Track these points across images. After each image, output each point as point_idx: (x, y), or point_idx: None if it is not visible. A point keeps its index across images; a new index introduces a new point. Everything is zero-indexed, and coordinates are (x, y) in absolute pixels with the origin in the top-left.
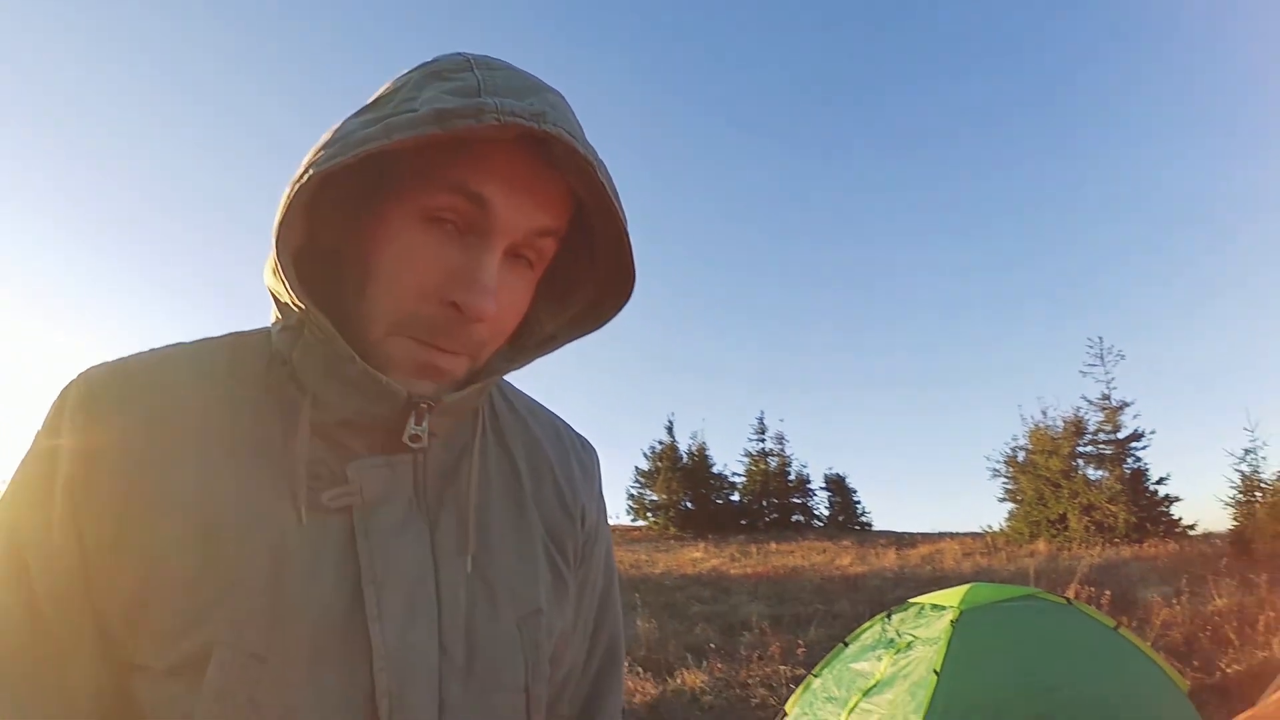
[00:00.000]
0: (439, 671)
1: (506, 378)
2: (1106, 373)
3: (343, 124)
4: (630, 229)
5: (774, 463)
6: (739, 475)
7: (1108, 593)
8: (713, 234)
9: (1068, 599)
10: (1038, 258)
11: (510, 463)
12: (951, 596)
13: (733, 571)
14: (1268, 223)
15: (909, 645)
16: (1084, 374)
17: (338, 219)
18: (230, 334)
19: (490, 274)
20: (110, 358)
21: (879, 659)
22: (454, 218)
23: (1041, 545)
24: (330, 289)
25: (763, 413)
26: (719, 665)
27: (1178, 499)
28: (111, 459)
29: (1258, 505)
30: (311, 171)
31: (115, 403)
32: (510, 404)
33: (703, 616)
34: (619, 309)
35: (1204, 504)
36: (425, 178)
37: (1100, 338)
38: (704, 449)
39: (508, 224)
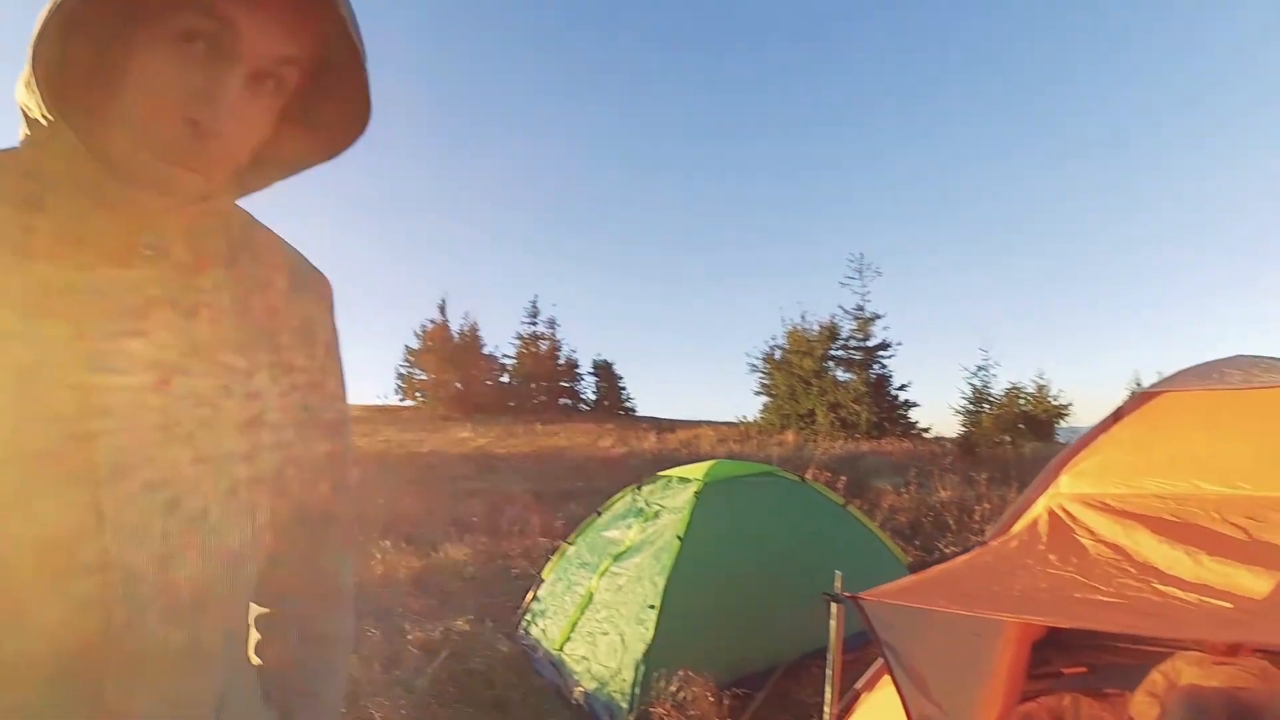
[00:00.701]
0: (172, 482)
1: (257, 217)
2: (863, 286)
3: None
4: (374, 66)
5: (544, 346)
6: (509, 358)
7: (844, 478)
8: (499, 116)
9: (802, 477)
10: (820, 173)
11: (249, 276)
12: (696, 470)
13: (499, 451)
14: (1027, 165)
15: (656, 514)
16: (843, 285)
17: (95, 40)
18: None
19: (229, 94)
20: None
21: (629, 527)
22: (201, 39)
23: (790, 436)
24: (82, 108)
25: (536, 296)
26: (482, 539)
27: (915, 404)
28: None
29: (984, 415)
30: None
31: None
32: (253, 228)
33: (468, 494)
34: (356, 139)
35: (938, 411)
36: (177, 1)
37: (861, 254)
38: (475, 330)
39: (252, 48)
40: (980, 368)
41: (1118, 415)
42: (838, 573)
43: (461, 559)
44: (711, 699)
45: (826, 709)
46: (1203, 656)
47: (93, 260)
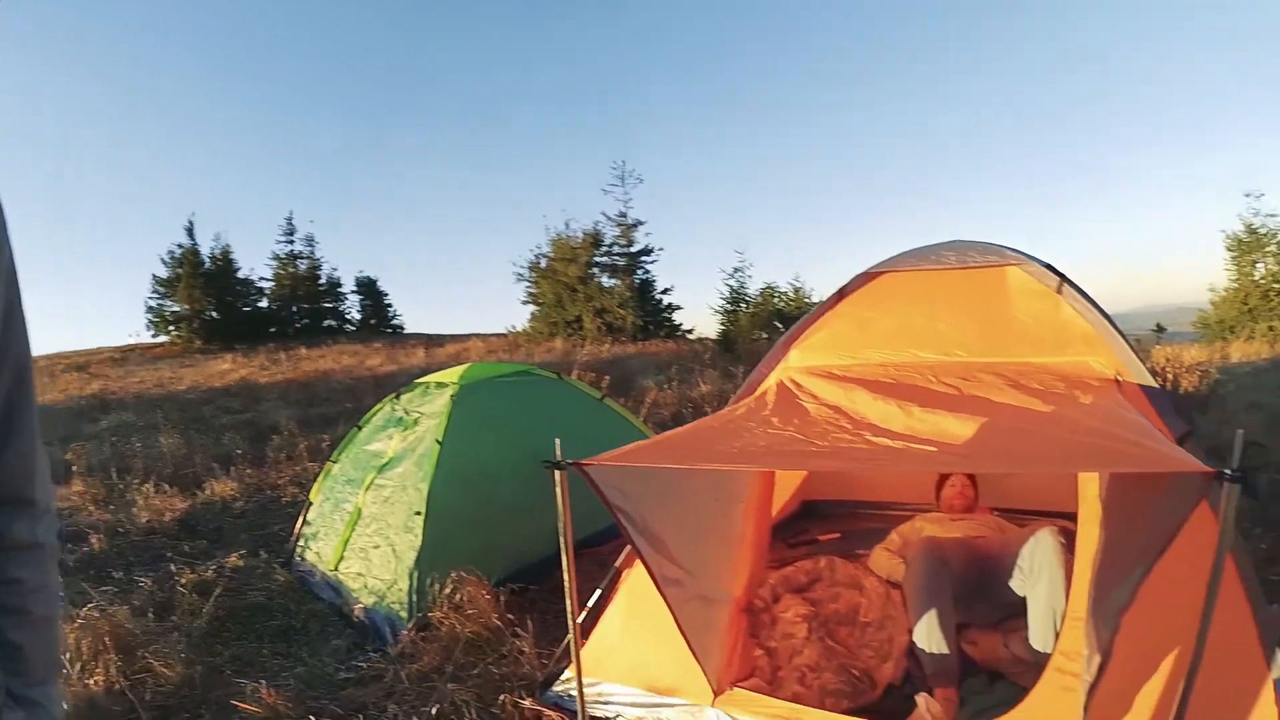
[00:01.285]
0: None
1: None
2: (625, 193)
3: None
4: None
5: (304, 266)
6: (268, 280)
7: (608, 377)
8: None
9: (558, 374)
10: (579, 89)
11: None
12: (452, 375)
13: (262, 380)
14: (781, 75)
15: (416, 421)
16: (605, 192)
17: None
18: None
19: None
20: None
21: (390, 438)
22: None
23: (559, 343)
24: None
25: (291, 213)
26: (249, 472)
27: (679, 307)
28: None
29: (741, 314)
30: None
31: None
32: None
33: (231, 427)
34: None
35: (700, 313)
36: None
37: (623, 161)
38: (228, 253)
39: None
40: (736, 269)
41: (841, 294)
42: (557, 440)
43: (229, 494)
44: (488, 596)
45: (566, 579)
46: (941, 516)
47: None
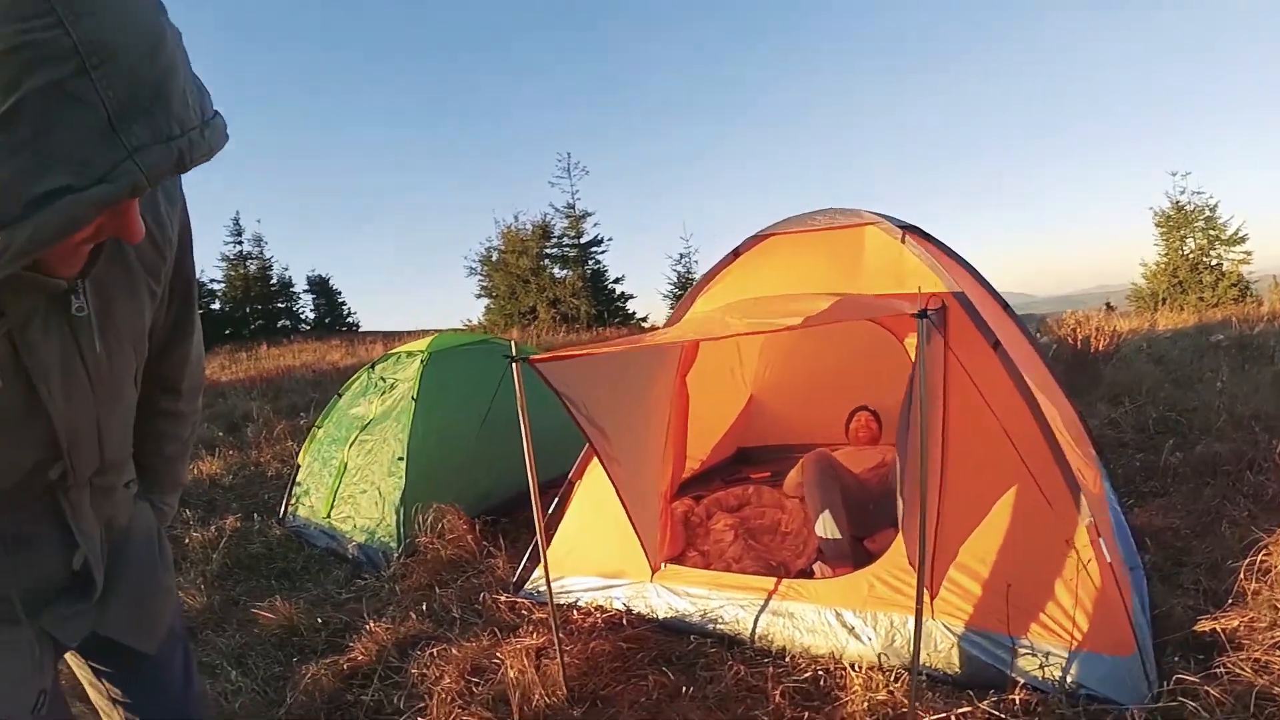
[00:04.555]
0: (96, 417)
1: None
2: (572, 185)
3: None
4: None
5: (254, 266)
6: (219, 282)
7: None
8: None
9: (513, 342)
10: (522, 80)
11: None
12: (421, 344)
13: (224, 378)
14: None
15: (392, 386)
16: (552, 185)
17: None
18: None
19: (132, 216)
20: None
21: (370, 402)
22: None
23: (515, 333)
24: None
25: (238, 212)
26: (231, 453)
27: (632, 295)
28: None
29: None
30: None
31: None
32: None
33: (206, 419)
34: None
35: (653, 300)
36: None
37: (569, 153)
38: None
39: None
40: (683, 255)
41: (736, 253)
42: (512, 341)
43: (215, 472)
44: (465, 525)
45: (529, 469)
46: (850, 449)
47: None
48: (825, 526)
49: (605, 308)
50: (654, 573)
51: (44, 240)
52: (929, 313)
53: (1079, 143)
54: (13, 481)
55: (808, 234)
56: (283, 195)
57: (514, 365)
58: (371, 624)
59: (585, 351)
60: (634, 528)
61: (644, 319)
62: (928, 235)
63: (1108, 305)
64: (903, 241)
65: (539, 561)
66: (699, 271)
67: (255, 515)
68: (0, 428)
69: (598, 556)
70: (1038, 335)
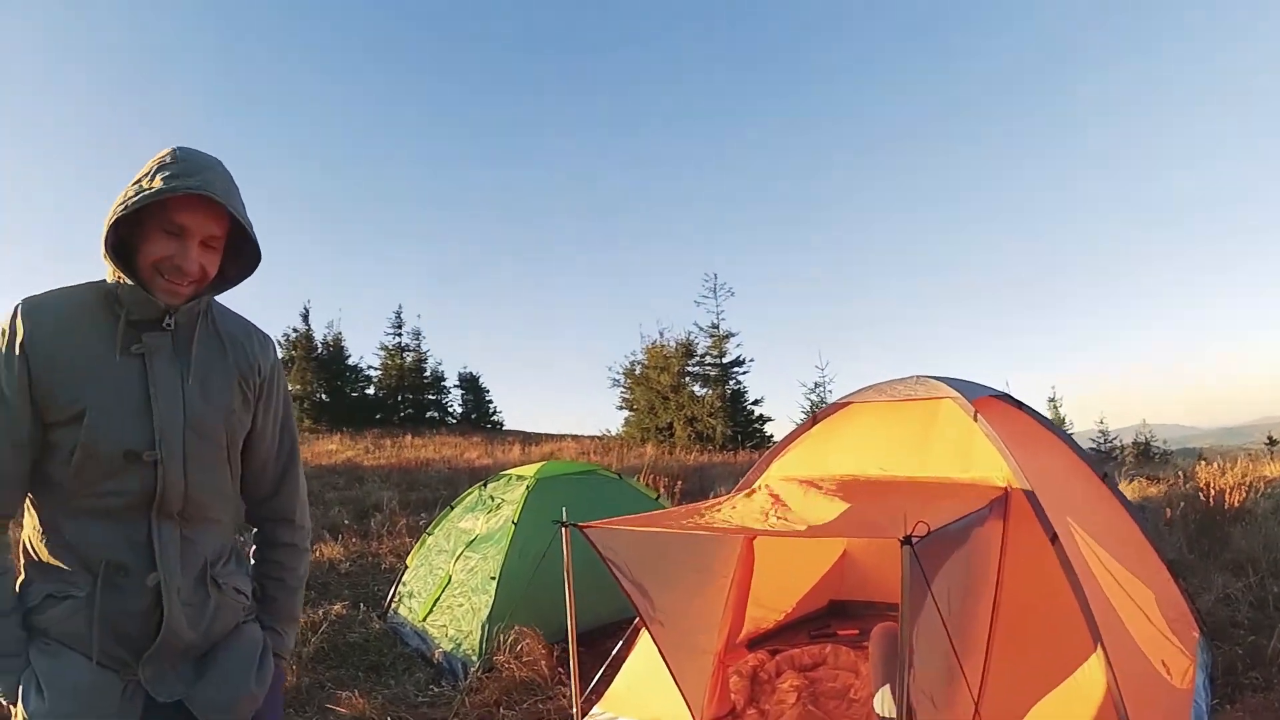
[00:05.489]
0: (183, 427)
1: (218, 299)
2: (717, 305)
3: (128, 189)
4: (257, 216)
5: (410, 358)
6: (375, 369)
7: (680, 483)
8: (358, 121)
9: (618, 474)
10: (677, 205)
11: (219, 337)
12: (530, 470)
13: (367, 463)
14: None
15: (498, 506)
16: (698, 304)
17: (130, 228)
18: (92, 281)
19: (188, 256)
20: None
21: (477, 518)
22: (175, 229)
23: (650, 449)
24: (127, 253)
25: (400, 307)
26: (354, 540)
27: (770, 419)
28: (38, 335)
29: None
30: (115, 216)
31: (43, 310)
32: (221, 310)
33: (338, 501)
34: (257, 267)
35: (786, 426)
36: (165, 207)
37: (715, 274)
38: (340, 340)
39: (196, 232)
40: (817, 384)
41: (814, 419)
42: (564, 508)
43: (335, 557)
44: (543, 649)
45: (569, 621)
46: None
47: (143, 326)
48: (884, 703)
49: (742, 429)
50: None
51: (148, 198)
52: (914, 540)
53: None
54: (119, 489)
55: (884, 404)
56: (443, 295)
57: (564, 530)
58: None
59: (637, 528)
60: (676, 683)
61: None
62: (1019, 403)
63: (1270, 440)
64: (974, 419)
65: (601, 696)
66: (831, 399)
67: (361, 605)
68: (125, 413)
69: (655, 702)
70: (1181, 481)
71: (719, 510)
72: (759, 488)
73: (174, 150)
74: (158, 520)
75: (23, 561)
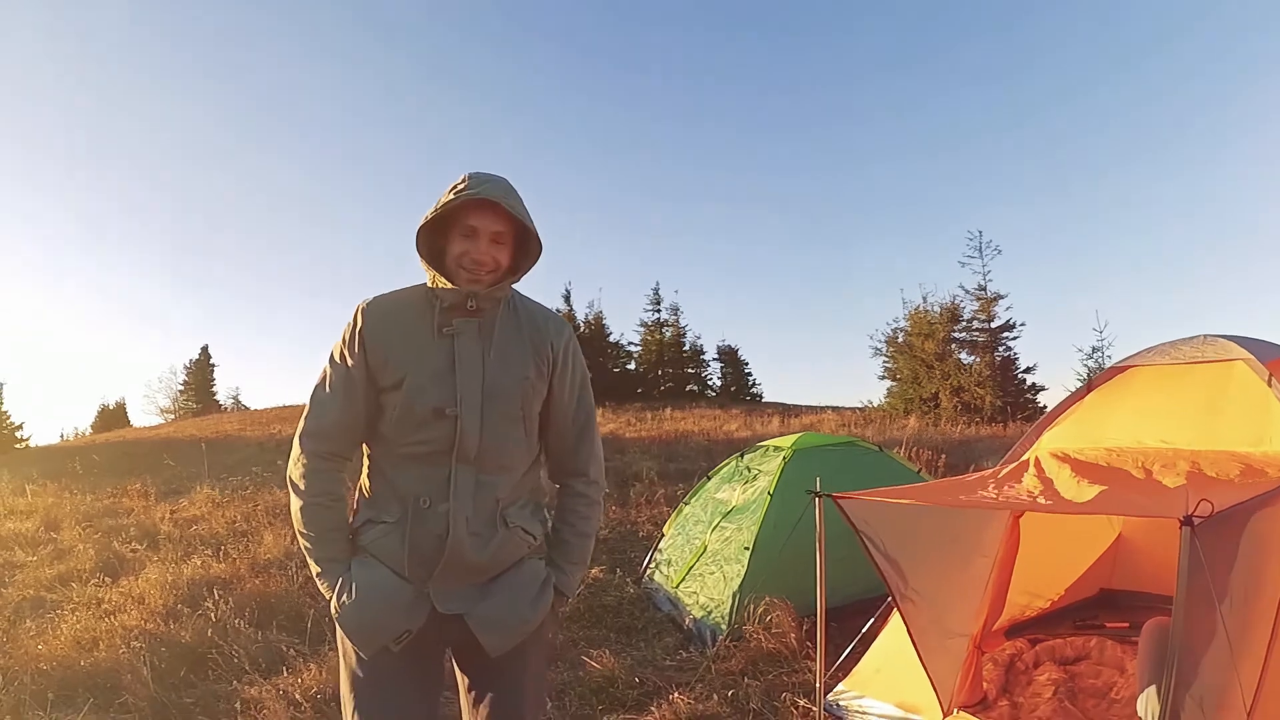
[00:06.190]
0: (480, 390)
1: (516, 287)
2: (984, 265)
3: (442, 196)
4: (540, 219)
5: (669, 333)
6: (635, 345)
7: (944, 457)
8: (621, 99)
9: (878, 446)
10: (933, 158)
11: (519, 321)
12: (788, 441)
13: (628, 435)
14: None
15: (755, 477)
16: (963, 265)
17: (437, 232)
18: (418, 284)
19: (480, 249)
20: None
21: (734, 489)
22: (468, 231)
23: (913, 421)
24: (438, 257)
25: (658, 283)
26: (614, 509)
27: (1043, 388)
28: (374, 327)
29: None
30: (424, 219)
31: (375, 307)
32: (523, 300)
33: None
34: (539, 256)
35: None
36: (460, 216)
37: (980, 231)
38: (601, 318)
39: (484, 230)
40: (1095, 349)
41: (1090, 386)
42: (818, 477)
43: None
44: (792, 621)
45: (818, 594)
46: None
47: (455, 312)
48: (1147, 706)
49: (1012, 400)
50: (945, 716)
51: (446, 207)
52: (1195, 520)
53: None
54: (428, 439)
55: (1169, 368)
56: (701, 270)
57: (817, 500)
58: (676, 694)
59: (892, 500)
60: (923, 666)
61: None
62: None
63: None
64: (1269, 384)
65: (848, 673)
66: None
67: (617, 570)
68: (435, 379)
69: (903, 684)
70: None
71: (983, 485)
72: (1027, 460)
73: (467, 174)
74: (456, 464)
75: (355, 496)
